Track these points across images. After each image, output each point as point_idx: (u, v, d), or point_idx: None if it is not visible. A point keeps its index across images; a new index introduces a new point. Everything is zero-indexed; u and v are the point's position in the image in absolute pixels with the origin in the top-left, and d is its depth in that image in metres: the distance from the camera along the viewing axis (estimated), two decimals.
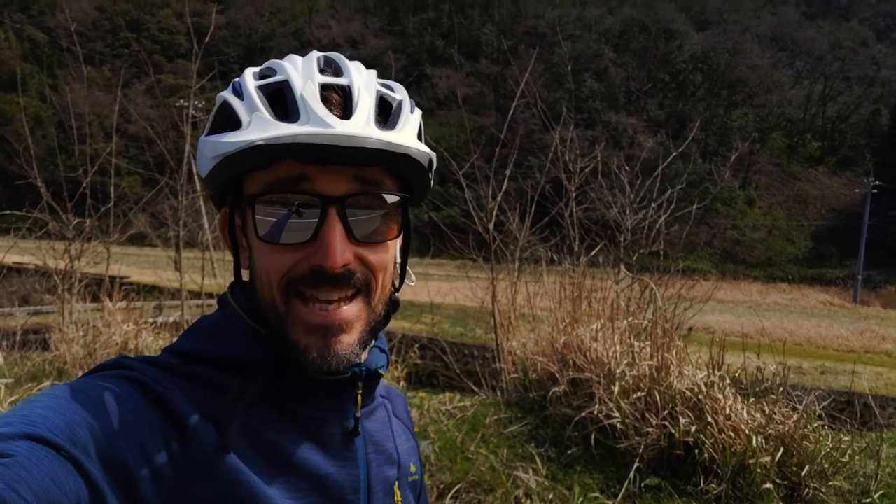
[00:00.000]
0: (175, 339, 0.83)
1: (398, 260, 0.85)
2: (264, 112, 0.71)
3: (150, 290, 9.98)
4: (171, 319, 8.16)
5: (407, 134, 0.75)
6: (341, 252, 0.71)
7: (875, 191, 45.68)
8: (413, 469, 0.94)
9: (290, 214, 0.71)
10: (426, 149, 0.78)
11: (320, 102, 0.70)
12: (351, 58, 0.82)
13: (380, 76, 0.80)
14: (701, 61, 69.64)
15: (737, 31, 71.54)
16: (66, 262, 7.02)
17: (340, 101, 0.73)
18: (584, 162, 7.54)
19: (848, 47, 70.70)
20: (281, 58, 0.79)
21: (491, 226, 7.29)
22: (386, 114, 0.76)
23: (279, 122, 0.69)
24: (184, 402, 0.70)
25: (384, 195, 0.76)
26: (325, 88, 0.73)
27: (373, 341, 0.86)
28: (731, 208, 58.89)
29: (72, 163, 7.90)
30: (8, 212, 7.34)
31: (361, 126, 0.70)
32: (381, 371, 0.86)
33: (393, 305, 0.84)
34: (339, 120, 0.69)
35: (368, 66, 0.81)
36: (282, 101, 0.72)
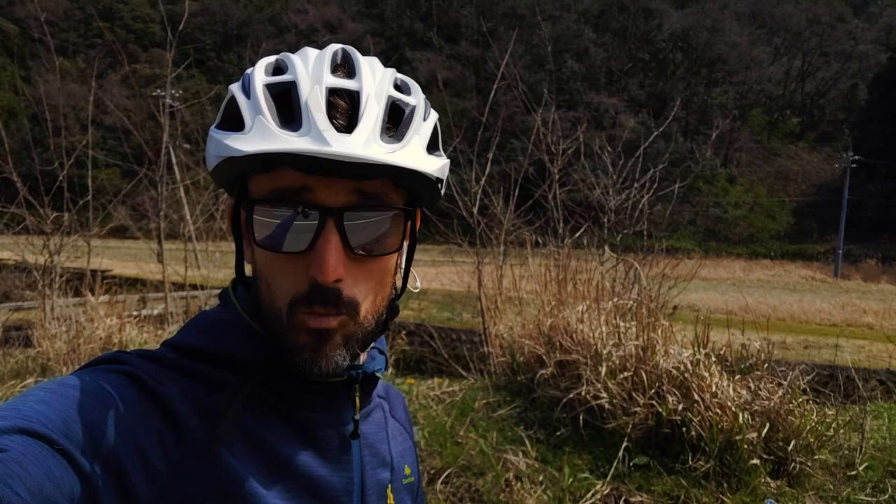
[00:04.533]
0: (174, 333, 0.82)
1: (402, 266, 0.84)
2: (268, 117, 0.68)
3: (133, 283, 9.90)
4: (156, 312, 8.10)
5: (412, 149, 0.72)
6: (334, 267, 0.69)
7: (854, 165, 46.16)
8: (408, 472, 0.93)
9: (288, 223, 0.70)
10: (435, 160, 0.75)
11: (324, 112, 0.67)
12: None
13: None
14: (680, 40, 69.71)
15: (715, 9, 71.57)
16: (45, 257, 6.93)
17: (347, 108, 0.70)
18: (567, 144, 7.53)
19: (825, 22, 71.04)
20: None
21: (475, 210, 7.28)
22: (397, 121, 0.73)
23: (279, 131, 0.67)
24: (179, 398, 0.69)
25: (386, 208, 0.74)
26: (332, 93, 0.70)
27: (371, 344, 0.85)
28: (713, 186, 59.30)
29: (48, 156, 7.77)
30: None
31: (361, 143, 0.67)
32: (378, 374, 0.86)
33: (392, 312, 0.83)
34: (337, 135, 0.66)
35: None
36: (288, 104, 0.70)
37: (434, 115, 0.80)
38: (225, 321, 0.80)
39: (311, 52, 0.75)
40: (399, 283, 0.85)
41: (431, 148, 0.77)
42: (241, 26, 76.31)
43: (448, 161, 0.79)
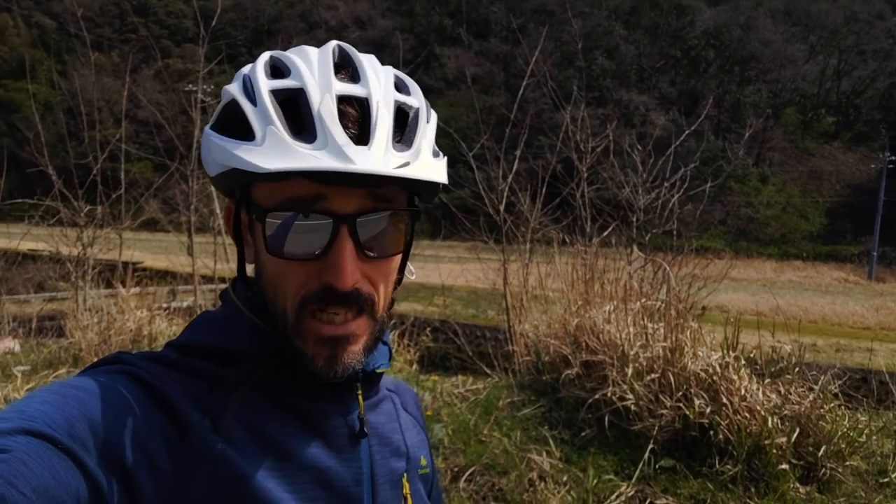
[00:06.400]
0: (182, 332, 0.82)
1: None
2: (279, 127, 0.67)
3: (163, 276, 10.06)
4: (185, 304, 8.21)
5: (424, 158, 0.73)
6: (351, 272, 0.70)
7: (891, 166, 45.13)
8: (424, 462, 0.94)
9: (299, 229, 0.70)
10: (441, 165, 0.76)
11: (338, 124, 0.67)
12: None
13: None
14: (713, 37, 68.63)
15: (749, 6, 70.42)
16: (78, 249, 7.06)
17: (357, 116, 0.70)
18: (596, 141, 7.48)
19: (863, 20, 69.49)
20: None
21: (502, 207, 7.26)
22: (402, 125, 0.73)
23: (294, 143, 0.66)
24: (182, 396, 0.70)
25: (395, 211, 0.75)
26: (342, 101, 0.70)
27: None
28: (744, 186, 58.36)
29: (82, 149, 7.91)
30: (20, 200, 7.38)
31: (381, 157, 0.67)
32: (378, 371, 0.86)
33: (389, 304, 0.84)
34: (356, 149, 0.66)
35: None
36: (296, 112, 0.69)
37: (434, 116, 0.80)
38: (226, 318, 0.81)
39: (311, 53, 0.75)
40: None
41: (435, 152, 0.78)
42: (272, 22, 76.98)
43: (446, 157, 0.80)
